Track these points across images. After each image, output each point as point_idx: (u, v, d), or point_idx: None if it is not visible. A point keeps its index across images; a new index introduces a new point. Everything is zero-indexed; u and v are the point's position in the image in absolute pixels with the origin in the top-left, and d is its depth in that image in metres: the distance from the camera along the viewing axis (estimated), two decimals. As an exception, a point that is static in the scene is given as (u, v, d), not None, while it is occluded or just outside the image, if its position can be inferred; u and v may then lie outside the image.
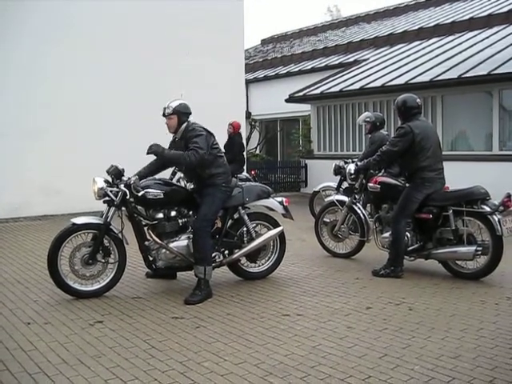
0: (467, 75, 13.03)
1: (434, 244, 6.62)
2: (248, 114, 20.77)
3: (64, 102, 12.00)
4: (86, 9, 12.30)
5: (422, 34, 19.26)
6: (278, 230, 6.59)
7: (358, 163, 7.34)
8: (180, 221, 6.03)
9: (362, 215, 7.56)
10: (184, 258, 5.94)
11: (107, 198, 5.83)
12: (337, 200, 7.93)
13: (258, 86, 22.78)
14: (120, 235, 5.87)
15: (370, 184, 7.18)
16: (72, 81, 12.13)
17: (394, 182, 7.05)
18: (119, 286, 6.07)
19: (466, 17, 18.86)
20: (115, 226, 5.89)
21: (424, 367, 3.99)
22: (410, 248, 6.72)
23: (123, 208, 5.91)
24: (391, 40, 20.23)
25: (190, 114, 6.15)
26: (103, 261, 5.85)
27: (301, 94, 17.47)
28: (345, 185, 9.51)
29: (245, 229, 6.41)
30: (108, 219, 5.81)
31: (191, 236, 5.94)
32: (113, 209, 5.84)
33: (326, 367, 4.01)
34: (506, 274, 6.63)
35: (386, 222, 6.98)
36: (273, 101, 20.36)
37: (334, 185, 10.16)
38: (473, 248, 6.30)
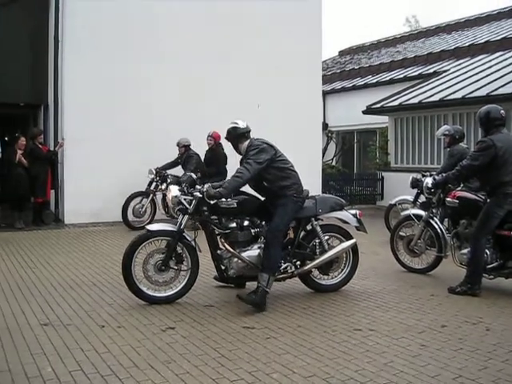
0: (554, 87, 12.50)
1: (515, 263, 6.35)
2: (325, 126, 20.67)
3: (142, 108, 12.30)
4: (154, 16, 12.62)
5: (505, 44, 18.58)
6: (351, 242, 6.49)
7: (436, 177, 7.15)
8: (253, 230, 6.04)
9: (439, 230, 7.34)
10: (256, 268, 5.92)
11: (181, 206, 5.91)
12: (413, 214, 7.73)
13: (335, 98, 22.65)
14: (193, 243, 5.94)
15: (449, 198, 6.97)
16: (144, 89, 12.44)
17: (473, 197, 6.82)
18: (192, 293, 6.13)
19: (553, 27, 18.13)
20: (188, 233, 5.96)
21: (502, 391, 3.82)
22: (490, 266, 6.47)
23: (197, 216, 5.98)
24: (472, 51, 19.67)
25: (246, 132, 6.13)
26: (176, 268, 5.93)
27: (378, 105, 17.25)
28: (422, 198, 9.29)
29: (317, 240, 6.35)
30: (181, 227, 5.88)
31: (263, 246, 5.94)
32: (186, 217, 5.91)
33: (397, 385, 3.90)
34: None
35: (464, 238, 6.75)
36: (350, 112, 20.19)
37: (411, 198, 9.95)
38: (556, 268, 6.00)
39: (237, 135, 6.11)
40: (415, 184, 8.85)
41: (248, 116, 6.72)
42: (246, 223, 6.03)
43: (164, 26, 12.66)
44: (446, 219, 7.72)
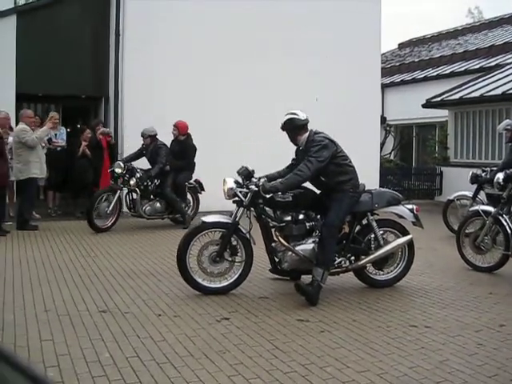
0: None
1: None
2: (383, 119, 20.40)
3: (202, 101, 12.39)
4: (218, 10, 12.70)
5: None
6: (407, 238, 6.39)
7: (507, 171, 6.90)
8: (307, 224, 6.02)
9: (508, 228, 7.06)
10: (309, 262, 5.91)
11: (236, 199, 5.95)
12: (482, 210, 7.51)
13: (394, 91, 22.31)
14: (248, 235, 5.98)
15: None
16: (215, 84, 12.54)
17: None
18: (247, 284, 6.18)
19: None
20: (243, 226, 6.00)
21: (562, 393, 3.72)
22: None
23: (252, 209, 6.01)
24: (538, 42, 19.06)
25: (305, 124, 6.05)
26: (230, 259, 5.98)
27: (438, 99, 16.90)
28: (481, 194, 9.08)
29: (372, 235, 6.27)
30: (236, 219, 5.92)
31: (317, 240, 5.92)
32: (241, 209, 5.94)
33: (452, 384, 3.85)
34: None
35: None
36: (409, 106, 19.83)
37: (470, 194, 9.73)
38: None
39: (296, 126, 6.02)
40: (475, 179, 8.66)
41: (306, 109, 6.66)
42: (300, 217, 6.01)
43: (226, 22, 12.72)
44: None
